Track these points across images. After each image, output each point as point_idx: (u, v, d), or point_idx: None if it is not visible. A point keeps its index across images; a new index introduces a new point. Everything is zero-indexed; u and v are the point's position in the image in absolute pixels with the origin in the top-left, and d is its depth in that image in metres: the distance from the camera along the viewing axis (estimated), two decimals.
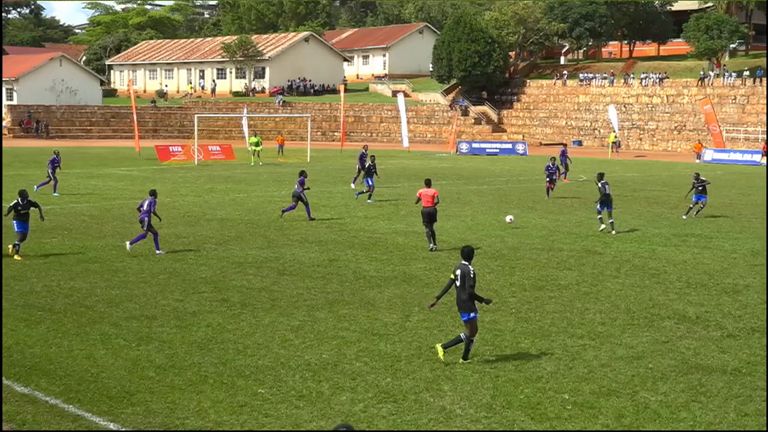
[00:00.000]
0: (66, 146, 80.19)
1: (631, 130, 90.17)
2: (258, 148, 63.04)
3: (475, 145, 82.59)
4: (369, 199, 39.01)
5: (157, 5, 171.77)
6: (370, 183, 39.57)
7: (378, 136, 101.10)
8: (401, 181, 49.08)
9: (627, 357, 15.63)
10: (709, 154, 73.31)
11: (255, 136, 65.85)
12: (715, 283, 22.15)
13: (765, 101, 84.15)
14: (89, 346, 15.91)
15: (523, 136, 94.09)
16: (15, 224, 24.57)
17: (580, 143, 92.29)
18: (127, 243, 25.37)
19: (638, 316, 18.59)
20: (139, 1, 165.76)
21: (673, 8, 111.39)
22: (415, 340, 16.59)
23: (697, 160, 72.44)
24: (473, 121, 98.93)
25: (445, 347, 15.24)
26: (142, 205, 25.44)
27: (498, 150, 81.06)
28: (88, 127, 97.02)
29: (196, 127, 67.90)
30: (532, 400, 13.42)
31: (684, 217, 34.62)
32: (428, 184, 27.21)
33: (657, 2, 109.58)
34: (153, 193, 26.06)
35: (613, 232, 30.09)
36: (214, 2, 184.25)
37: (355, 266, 23.73)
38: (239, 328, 17.26)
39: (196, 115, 73.46)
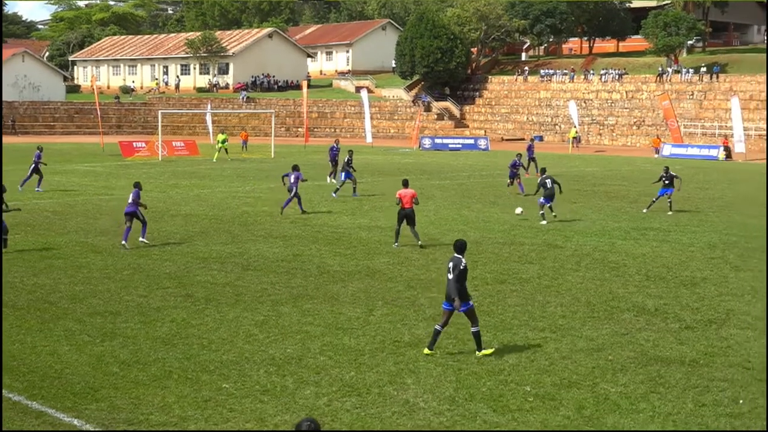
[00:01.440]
0: (29, 142, 79.44)
1: (591, 126, 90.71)
2: (224, 145, 62.75)
3: (437, 141, 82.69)
4: (354, 193, 38.95)
5: (120, 1, 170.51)
6: (351, 177, 39.30)
7: (341, 131, 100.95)
8: (365, 176, 48.95)
9: (587, 349, 15.73)
10: (667, 149, 73.87)
11: (222, 134, 65.48)
12: (673, 275, 22.34)
13: (721, 97, 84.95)
14: (53, 343, 15.78)
15: (485, 131, 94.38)
16: None
17: (541, 138, 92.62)
18: (123, 241, 25.36)
19: (598, 308, 18.71)
20: None
21: (632, 5, 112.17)
22: (379, 334, 16.60)
23: (656, 155, 72.99)
24: (436, 116, 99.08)
25: (479, 348, 15.25)
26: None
27: (460, 145, 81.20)
28: (52, 123, 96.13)
29: (160, 123, 67.43)
30: (495, 392, 13.47)
31: (644, 210, 34.87)
32: (405, 184, 26.54)
33: None
34: (137, 185, 26.25)
35: (554, 214, 31.98)
36: None
37: (319, 261, 23.71)
38: (204, 324, 17.18)
39: (159, 111, 72.99)
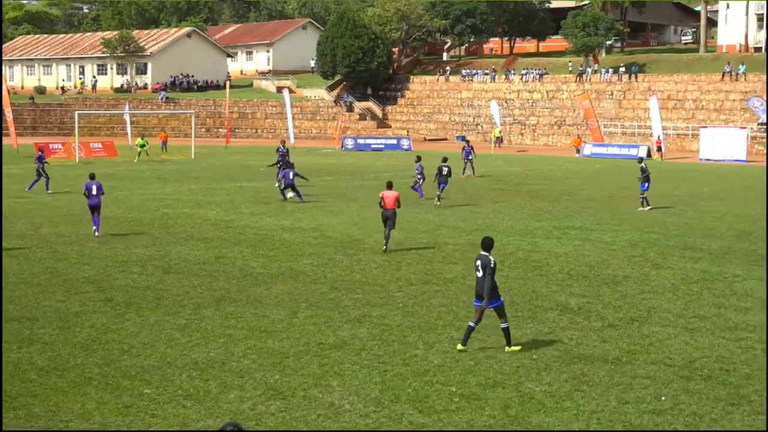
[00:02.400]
0: None
1: (513, 126, 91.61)
2: (144, 149, 62.05)
3: (360, 141, 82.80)
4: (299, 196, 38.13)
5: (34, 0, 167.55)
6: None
7: (263, 132, 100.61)
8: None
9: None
10: (588, 149, 74.90)
11: (141, 138, 64.57)
12: (595, 274, 22.65)
13: (639, 97, 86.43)
14: None
15: (408, 131, 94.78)
16: None
17: (463, 138, 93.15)
18: (94, 228, 27.59)
19: (522, 308, 18.88)
20: None
21: (552, 5, 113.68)
22: (303, 336, 16.55)
23: (577, 155, 73.97)
24: (358, 116, 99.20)
25: (508, 344, 15.60)
26: (89, 189, 27.47)
27: (383, 145, 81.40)
28: None
29: (77, 124, 66.49)
30: (420, 393, 13.51)
31: (640, 209, 35.74)
32: (390, 186, 26.32)
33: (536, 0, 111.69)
34: (93, 176, 28.10)
35: (441, 200, 36.63)
36: None
37: (242, 263, 23.56)
38: (124, 328, 16.96)
39: (76, 112, 72.04)
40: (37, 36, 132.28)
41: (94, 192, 27.53)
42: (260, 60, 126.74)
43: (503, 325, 15.66)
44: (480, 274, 15.43)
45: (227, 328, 17.06)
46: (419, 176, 39.44)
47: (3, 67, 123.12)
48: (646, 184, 36.22)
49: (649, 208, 35.95)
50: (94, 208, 27.68)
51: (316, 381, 14.00)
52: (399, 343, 16.12)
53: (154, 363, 14.83)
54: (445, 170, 37.21)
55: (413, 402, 13.15)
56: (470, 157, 51.10)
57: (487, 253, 15.47)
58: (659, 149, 70.71)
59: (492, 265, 15.33)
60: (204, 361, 14.94)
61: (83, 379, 13.95)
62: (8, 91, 76.14)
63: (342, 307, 18.84)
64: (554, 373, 14.49)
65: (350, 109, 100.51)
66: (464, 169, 50.62)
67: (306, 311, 18.43)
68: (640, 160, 37.90)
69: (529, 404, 13.11)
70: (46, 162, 42.09)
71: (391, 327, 17.26)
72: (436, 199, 37.07)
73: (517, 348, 15.69)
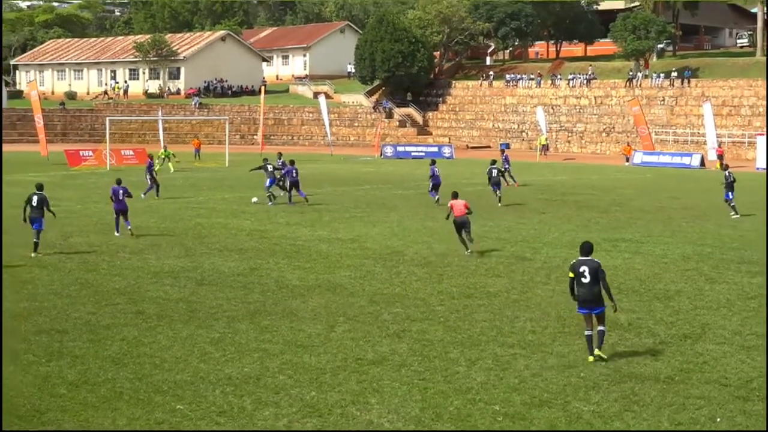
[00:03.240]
0: None
1: (559, 133, 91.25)
2: (170, 160, 61.74)
3: (399, 149, 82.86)
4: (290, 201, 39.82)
5: (65, 2, 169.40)
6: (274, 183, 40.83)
7: (299, 139, 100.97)
8: (324, 186, 48.98)
9: (558, 366, 15.77)
10: (638, 157, 74.46)
11: (165, 149, 64.48)
12: (646, 288, 22.47)
13: (692, 103, 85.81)
14: None
15: (450, 138, 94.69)
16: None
17: (507, 146, 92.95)
18: (129, 228, 29.70)
19: (569, 323, 18.76)
20: None
21: (600, 8, 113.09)
22: (341, 351, 16.55)
23: (627, 163, 73.55)
24: (398, 123, 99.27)
25: (598, 346, 15.98)
26: (116, 194, 29.57)
27: (423, 153, 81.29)
28: None
29: (108, 131, 67.03)
30: (462, 412, 13.47)
31: (734, 216, 36.21)
32: (455, 196, 27.67)
33: (583, 1, 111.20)
34: (120, 181, 30.12)
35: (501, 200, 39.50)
36: None
37: (278, 275, 23.62)
38: (156, 342, 17.05)
39: (107, 118, 72.53)
40: (68, 40, 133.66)
41: (121, 197, 29.58)
42: (296, 64, 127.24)
43: (601, 329, 16.07)
44: (587, 280, 15.86)
45: (262, 342, 17.11)
46: (432, 180, 40.81)
47: (31, 71, 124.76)
48: (731, 193, 36.56)
49: (736, 216, 36.07)
50: (122, 213, 29.69)
51: (354, 398, 13.99)
52: (440, 360, 16.08)
53: (186, 378, 14.90)
54: (494, 172, 40.71)
55: (455, 421, 13.10)
56: (507, 167, 51.16)
57: (591, 258, 16.08)
58: (720, 157, 69.39)
59: (602, 269, 15.96)
60: (238, 377, 14.99)
61: (114, 394, 14.04)
62: (39, 96, 76.85)
63: (381, 321, 18.83)
64: (603, 392, 14.38)
65: (390, 115, 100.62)
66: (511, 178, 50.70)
67: (343, 325, 18.43)
68: (726, 166, 38.22)
69: (577, 424, 13.02)
70: (155, 170, 43.98)
71: (432, 342, 17.22)
72: (498, 200, 40.41)
73: (606, 355, 16.02)
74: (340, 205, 39.73)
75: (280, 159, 43.70)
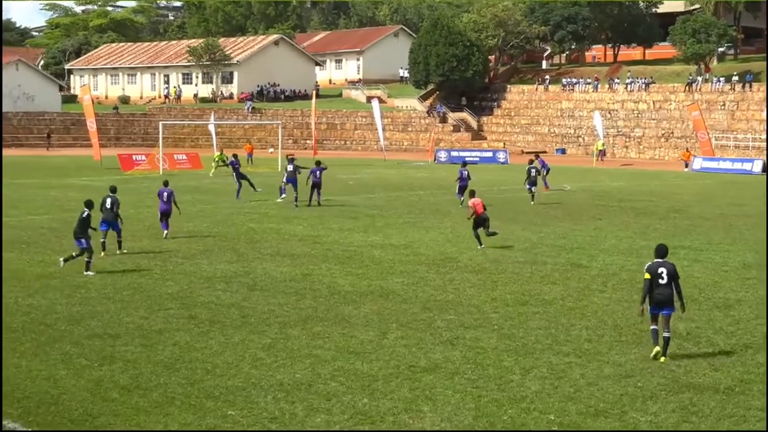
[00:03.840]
0: (23, 155, 79.84)
1: (617, 138, 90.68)
2: (225, 163, 62.28)
3: (453, 154, 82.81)
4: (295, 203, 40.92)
5: (118, 6, 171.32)
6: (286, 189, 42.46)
7: (352, 144, 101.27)
8: (377, 191, 49.08)
9: (615, 375, 15.66)
10: (698, 163, 73.79)
11: (221, 152, 65.15)
12: (706, 297, 22.25)
13: (754, 108, 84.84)
14: (49, 367, 15.79)
15: (504, 143, 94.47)
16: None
17: (563, 151, 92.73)
18: (165, 232, 30.40)
19: (626, 332, 18.63)
20: (99, 3, 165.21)
21: (659, 10, 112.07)
22: (393, 358, 16.56)
23: (686, 169, 72.90)
24: (452, 128, 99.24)
25: (663, 354, 16.57)
26: (161, 196, 30.23)
27: (478, 158, 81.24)
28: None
29: (161, 135, 67.72)
30: (517, 421, 13.42)
31: None
32: (473, 194, 30.13)
33: (642, 4, 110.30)
34: (167, 183, 31.00)
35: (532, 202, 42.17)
36: (179, 3, 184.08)
37: (330, 281, 23.69)
38: (208, 347, 17.18)
39: (160, 122, 73.34)
40: (121, 44, 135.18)
41: (165, 198, 30.13)
42: (350, 68, 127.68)
43: (666, 335, 16.57)
44: (665, 281, 16.56)
45: (314, 348, 17.17)
46: (460, 181, 42.25)
47: (86, 75, 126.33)
48: None
49: None
50: (164, 215, 30.35)
51: (406, 406, 13.99)
52: (494, 368, 16.04)
53: (238, 383, 14.99)
54: (532, 172, 43.58)
55: (509, 430, 13.05)
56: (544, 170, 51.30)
57: (666, 260, 16.89)
58: None
59: (677, 272, 16.82)
60: (290, 383, 15.05)
61: (166, 399, 14.16)
62: (92, 100, 77.77)
63: (434, 328, 18.82)
64: (661, 403, 14.26)
65: (444, 120, 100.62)
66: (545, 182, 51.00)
67: (396, 332, 18.45)
68: None
69: None
70: (239, 168, 45.44)
71: (485, 350, 17.18)
72: (531, 198, 43.68)
73: (664, 359, 16.43)
74: (393, 210, 39.78)
75: (291, 163, 42.51)
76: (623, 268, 26.18)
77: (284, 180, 42.50)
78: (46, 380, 15.07)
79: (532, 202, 43.11)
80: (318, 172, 40.91)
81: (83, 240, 24.26)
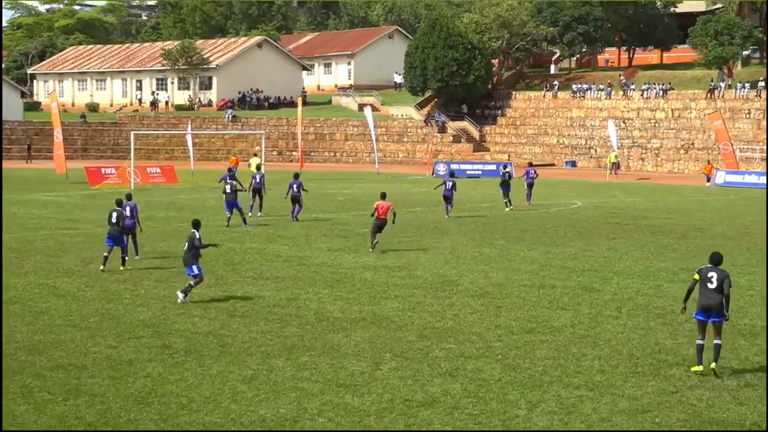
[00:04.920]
0: None
1: (632, 149, 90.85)
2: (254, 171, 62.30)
3: (454, 167, 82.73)
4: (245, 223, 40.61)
5: (87, 5, 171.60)
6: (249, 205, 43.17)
7: (343, 155, 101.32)
8: (369, 208, 48.98)
9: (630, 410, 15.66)
10: (720, 176, 73.88)
11: (256, 156, 65.57)
12: (730, 324, 22.16)
13: None
14: (8, 401, 15.72)
15: (509, 155, 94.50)
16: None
17: (573, 164, 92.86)
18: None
19: (643, 362, 18.63)
20: (66, 2, 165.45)
21: (678, 10, 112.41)
22: (387, 391, 16.54)
23: (708, 183, 73.02)
24: (452, 138, 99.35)
25: (715, 360, 17.73)
26: (125, 208, 29.59)
27: (480, 172, 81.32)
28: (7, 146, 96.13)
29: (132, 146, 67.72)
30: None
31: None
32: (383, 197, 33.64)
33: (659, 3, 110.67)
34: (130, 197, 30.52)
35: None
36: (152, 2, 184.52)
37: (317, 306, 23.67)
38: (183, 379, 17.14)
39: (132, 132, 73.32)
40: (90, 47, 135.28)
41: (127, 213, 29.75)
42: (340, 73, 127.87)
43: (717, 342, 17.73)
44: (713, 285, 17.74)
45: (300, 380, 17.14)
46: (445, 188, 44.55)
47: (50, 81, 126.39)
48: None
49: None
50: (130, 232, 30.17)
51: None
52: (498, 402, 16.02)
53: (216, 419, 14.95)
54: (506, 176, 47.99)
55: None
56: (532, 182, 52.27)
57: (720, 268, 18.01)
58: None
59: (729, 280, 17.95)
60: (273, 419, 15.02)
61: None
62: (59, 109, 77.67)
63: (432, 358, 18.79)
64: None
65: (443, 129, 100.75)
66: (528, 195, 52.21)
67: (390, 362, 18.42)
68: None
69: None
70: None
71: (488, 382, 17.16)
72: (507, 203, 48.01)
73: (714, 366, 17.55)
74: (387, 228, 39.74)
75: (232, 178, 41.82)
76: (639, 292, 26.19)
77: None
78: (5, 416, 15.02)
79: (506, 209, 47.77)
80: (296, 186, 41.94)
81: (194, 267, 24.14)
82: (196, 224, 24.39)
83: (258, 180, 44.09)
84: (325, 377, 17.37)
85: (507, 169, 51.98)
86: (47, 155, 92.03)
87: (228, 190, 40.18)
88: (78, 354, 18.78)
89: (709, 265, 18.11)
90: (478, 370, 17.96)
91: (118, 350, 19.12)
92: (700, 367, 17.71)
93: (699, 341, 17.90)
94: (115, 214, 28.23)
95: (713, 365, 17.52)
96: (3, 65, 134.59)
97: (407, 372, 17.79)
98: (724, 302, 17.72)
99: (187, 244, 24.13)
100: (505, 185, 49.01)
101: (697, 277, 18.03)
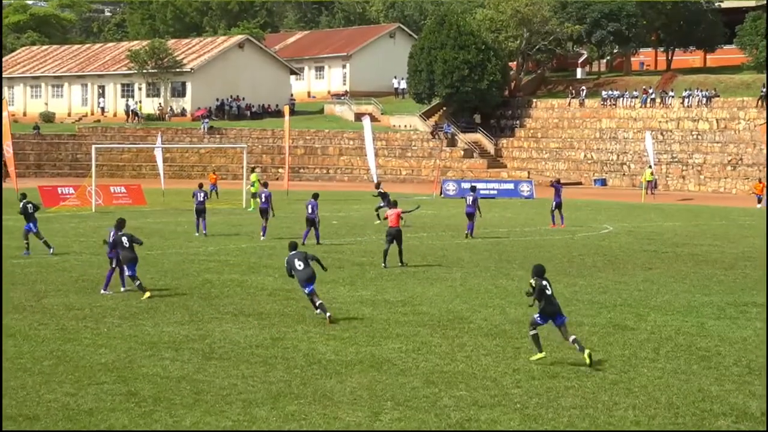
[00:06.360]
0: None
1: (671, 165, 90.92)
2: (256, 188, 62.73)
3: (465, 185, 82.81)
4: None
5: (41, 0, 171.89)
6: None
7: (337, 172, 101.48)
8: (367, 233, 49.11)
9: None
10: None
11: (254, 172, 66.08)
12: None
13: None
14: None
15: (529, 173, 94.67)
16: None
17: (604, 182, 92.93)
18: (101, 290, 30.75)
19: (684, 412, 18.61)
20: None
21: (724, 5, 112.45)
22: None
23: (759, 205, 73.01)
24: (463, 153, 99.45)
25: (582, 350, 21.49)
26: (122, 240, 30.68)
27: (496, 191, 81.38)
28: None
29: (93, 162, 67.70)
30: None
31: None
32: (394, 204, 38.23)
33: None
34: (121, 225, 31.19)
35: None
36: None
37: (307, 347, 23.64)
38: None
39: (93, 146, 73.29)
40: (45, 47, 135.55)
41: (127, 244, 30.86)
42: (334, 78, 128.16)
43: (573, 337, 21.33)
44: (550, 292, 21.73)
45: None
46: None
47: (2, 88, 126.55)
48: None
49: None
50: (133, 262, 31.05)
51: None
52: None
53: None
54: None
55: None
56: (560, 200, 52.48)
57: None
58: None
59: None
60: None
61: None
62: (9, 119, 77.60)
63: (440, 407, 18.77)
64: None
65: (452, 142, 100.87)
66: (553, 217, 52.69)
67: (391, 412, 18.40)
68: None
69: None
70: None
71: None
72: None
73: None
74: (388, 257, 39.77)
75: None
76: (680, 330, 26.17)
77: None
78: None
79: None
80: (265, 195, 45.98)
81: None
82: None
83: (264, 199, 46.05)
84: (316, 429, 17.35)
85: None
86: None
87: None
88: (30, 402, 18.75)
89: (536, 277, 22.45)
90: (493, 421, 17.94)
91: (77, 398, 19.08)
92: (542, 354, 21.70)
93: (533, 332, 21.98)
94: (125, 239, 30.34)
95: (585, 355, 21.42)
96: None
97: (411, 423, 17.76)
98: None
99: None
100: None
101: (533, 282, 22.32)
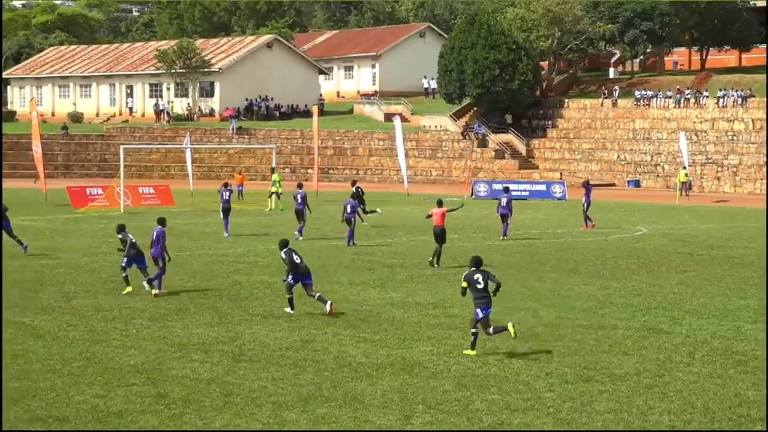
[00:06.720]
0: None
1: (706, 166, 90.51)
2: (278, 189, 63.05)
3: (496, 187, 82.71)
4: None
5: (69, 0, 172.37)
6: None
7: (367, 173, 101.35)
8: (398, 235, 49.08)
9: None
10: None
11: (275, 173, 66.27)
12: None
13: None
14: None
15: (561, 174, 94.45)
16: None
17: (637, 184, 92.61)
18: (145, 283, 30.83)
19: (720, 417, 18.53)
20: None
21: (759, 4, 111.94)
22: None
23: None
24: (494, 154, 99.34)
25: (506, 329, 22.77)
26: (153, 239, 31.61)
27: (528, 192, 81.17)
28: None
29: (122, 162, 67.88)
30: None
31: None
32: (439, 204, 38.30)
33: None
34: (162, 222, 32.27)
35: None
36: None
37: (338, 350, 23.64)
38: None
39: (121, 146, 73.46)
40: (73, 47, 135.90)
41: (154, 238, 31.88)
42: (363, 78, 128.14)
43: (494, 327, 22.07)
44: (481, 286, 22.61)
45: None
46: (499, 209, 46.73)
47: (27, 87, 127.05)
48: None
49: None
50: (154, 260, 31.75)
51: None
52: None
53: None
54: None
55: None
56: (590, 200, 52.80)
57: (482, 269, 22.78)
58: None
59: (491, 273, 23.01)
60: None
61: None
62: (38, 119, 77.72)
63: (472, 411, 18.75)
64: None
65: (483, 143, 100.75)
66: (585, 219, 52.94)
67: (423, 416, 18.39)
68: None
69: None
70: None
71: None
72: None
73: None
74: (420, 259, 39.74)
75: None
76: (715, 334, 26.06)
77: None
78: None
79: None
80: (350, 207, 44.50)
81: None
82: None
83: (299, 200, 46.44)
84: None
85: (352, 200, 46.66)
86: (24, 173, 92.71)
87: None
88: (59, 404, 18.81)
89: (473, 269, 23.07)
90: (526, 425, 17.90)
91: (106, 400, 19.14)
92: (474, 351, 22.93)
93: (474, 330, 23.05)
94: (131, 237, 31.34)
95: (511, 330, 22.93)
96: None
97: (442, 427, 17.75)
98: (492, 292, 23.14)
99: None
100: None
101: (465, 284, 23.07)
